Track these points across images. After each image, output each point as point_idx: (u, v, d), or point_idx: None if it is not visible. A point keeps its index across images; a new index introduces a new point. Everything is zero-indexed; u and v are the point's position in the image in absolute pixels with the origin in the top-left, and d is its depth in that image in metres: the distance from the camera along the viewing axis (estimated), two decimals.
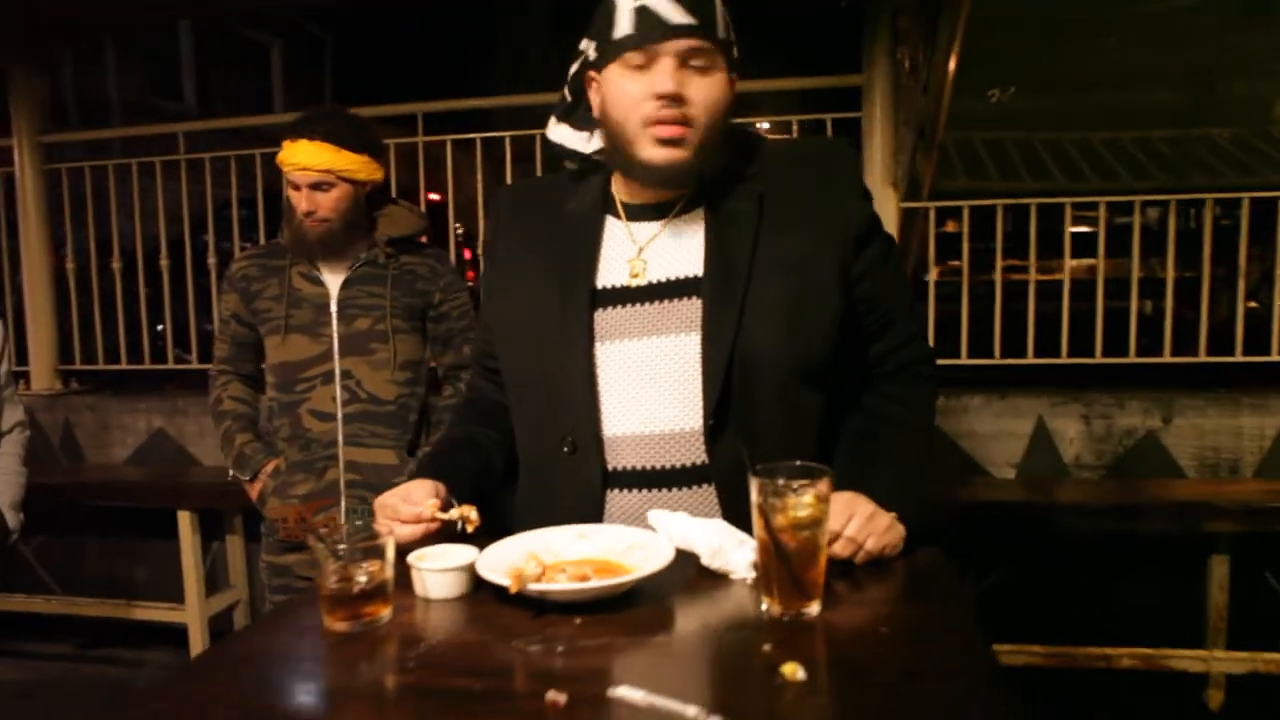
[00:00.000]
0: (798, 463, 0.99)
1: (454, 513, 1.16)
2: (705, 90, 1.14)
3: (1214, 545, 2.70)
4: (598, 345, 1.20)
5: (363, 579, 0.95)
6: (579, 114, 1.29)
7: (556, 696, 0.78)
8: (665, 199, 1.23)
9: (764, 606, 0.98)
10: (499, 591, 0.99)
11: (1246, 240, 2.86)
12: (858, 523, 1.09)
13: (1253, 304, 3.19)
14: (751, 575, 1.06)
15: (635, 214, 1.25)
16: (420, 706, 0.81)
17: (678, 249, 1.22)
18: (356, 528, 1.01)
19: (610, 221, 1.26)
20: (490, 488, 1.32)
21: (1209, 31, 2.41)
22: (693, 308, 1.18)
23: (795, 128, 3.40)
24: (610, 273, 1.23)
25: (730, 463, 1.14)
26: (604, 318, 1.21)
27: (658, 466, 1.19)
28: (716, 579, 1.08)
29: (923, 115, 3.09)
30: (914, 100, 3.08)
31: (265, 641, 1.00)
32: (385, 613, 0.97)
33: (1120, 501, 2.70)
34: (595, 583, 0.99)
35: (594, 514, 1.21)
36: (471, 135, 3.24)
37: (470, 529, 1.16)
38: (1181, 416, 2.87)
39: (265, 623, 1.23)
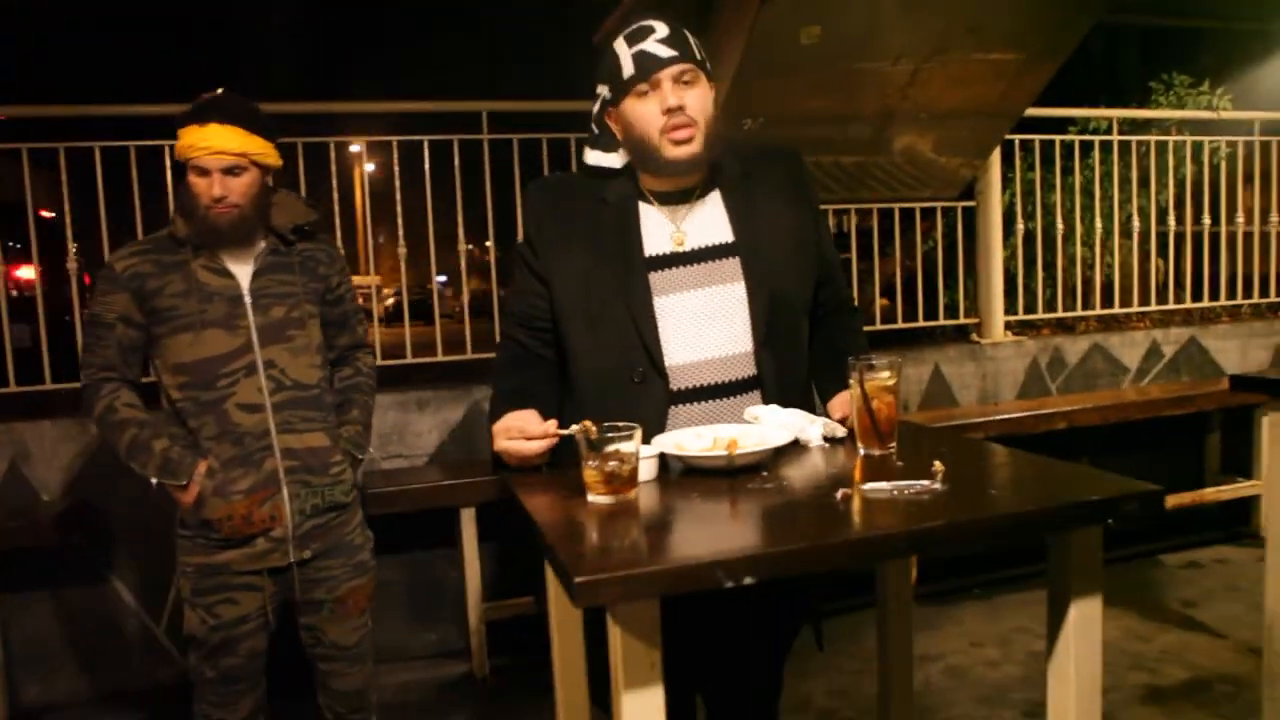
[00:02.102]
0: (873, 357, 1.46)
1: (576, 428, 1.42)
2: (696, 97, 1.57)
3: None
4: (656, 299, 1.57)
5: (626, 463, 1.22)
6: (605, 141, 1.67)
7: (846, 491, 1.16)
8: (687, 186, 1.64)
9: (860, 449, 1.43)
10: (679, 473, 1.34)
11: (879, 238, 3.89)
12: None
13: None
14: (822, 443, 1.50)
15: (666, 199, 1.64)
16: (752, 515, 1.13)
17: (707, 222, 1.63)
18: (607, 428, 1.25)
19: (644, 207, 1.64)
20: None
21: (881, 85, 3.33)
22: (732, 265, 1.60)
23: (573, 145, 3.78)
24: (655, 244, 1.60)
25: (770, 371, 1.58)
26: (658, 277, 1.58)
27: (715, 382, 1.58)
28: (801, 447, 1.50)
29: None
30: None
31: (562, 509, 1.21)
32: (634, 492, 1.24)
33: None
34: (759, 446, 1.35)
35: (660, 426, 1.54)
36: None
37: (593, 438, 1.43)
38: None
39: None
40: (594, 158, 1.68)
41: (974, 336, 4.12)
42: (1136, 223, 4.38)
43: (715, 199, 1.64)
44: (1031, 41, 3.42)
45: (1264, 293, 4.68)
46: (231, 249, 1.96)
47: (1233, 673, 2.86)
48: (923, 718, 2.66)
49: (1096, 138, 4.32)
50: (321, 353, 2.09)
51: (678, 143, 1.52)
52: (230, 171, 1.89)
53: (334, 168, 3.29)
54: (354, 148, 3.36)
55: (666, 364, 1.54)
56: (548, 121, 3.60)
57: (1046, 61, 3.57)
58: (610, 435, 1.24)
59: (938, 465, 1.27)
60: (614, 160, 1.67)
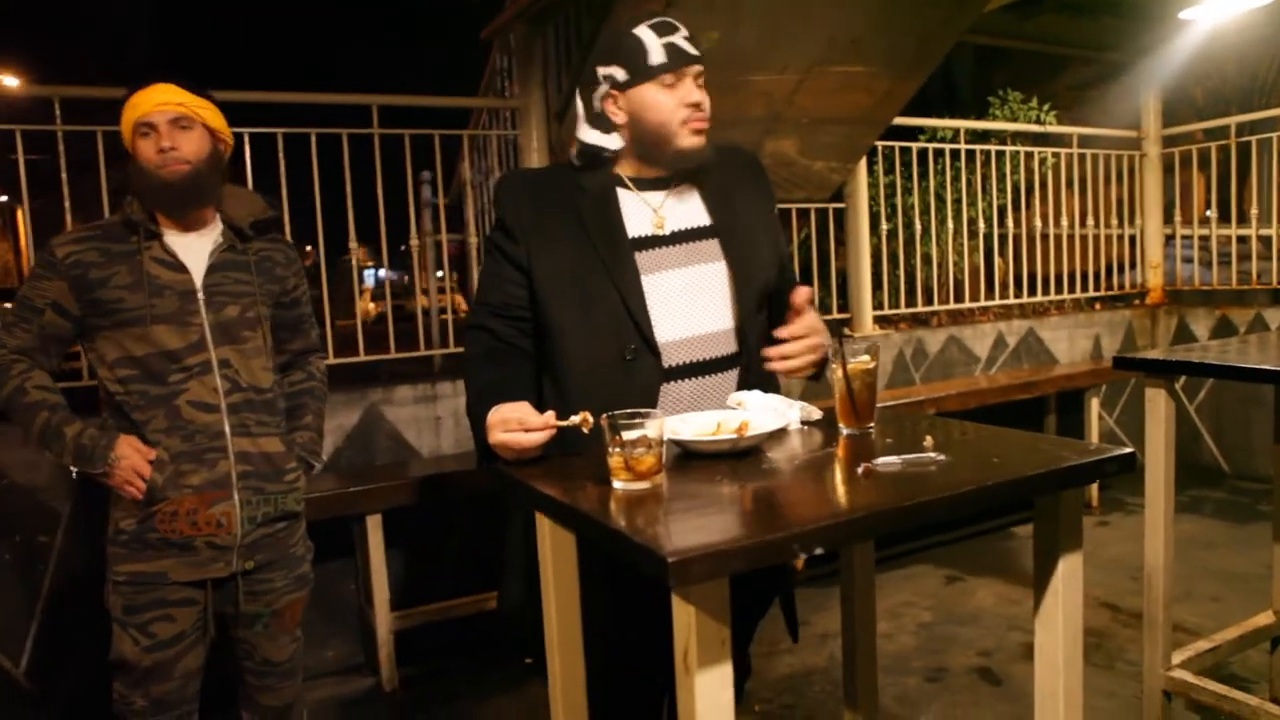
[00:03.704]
0: (856, 335, 1.54)
1: (575, 419, 1.44)
2: (707, 95, 1.64)
3: None
4: (643, 277, 1.61)
5: (653, 449, 1.24)
6: (603, 122, 1.66)
7: (868, 466, 1.23)
8: (665, 175, 1.69)
9: (842, 429, 1.51)
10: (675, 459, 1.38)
11: None
12: (815, 340, 1.59)
13: None
14: (800, 426, 1.58)
15: (644, 186, 1.68)
16: (792, 492, 1.18)
17: (684, 208, 1.70)
18: (626, 415, 1.26)
19: (623, 193, 1.68)
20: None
21: (770, 91, 3.49)
22: (712, 246, 1.67)
23: (465, 142, 3.70)
24: (636, 227, 1.65)
25: (750, 347, 1.65)
26: (643, 257, 1.63)
27: (704, 359, 1.63)
28: (781, 431, 1.56)
29: (556, 141, 3.72)
30: (552, 126, 3.69)
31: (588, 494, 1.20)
32: (661, 478, 1.26)
33: None
34: (757, 431, 1.40)
35: (651, 404, 1.58)
36: None
37: (587, 429, 1.45)
38: None
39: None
40: (592, 136, 1.67)
41: (846, 330, 4.37)
42: (982, 225, 4.79)
43: (690, 187, 1.71)
44: (902, 56, 3.68)
45: (1084, 288, 5.22)
46: (186, 225, 1.84)
47: (1093, 626, 3.18)
48: (835, 691, 2.81)
49: (946, 145, 4.68)
50: (273, 357, 1.98)
51: (696, 133, 1.60)
52: (177, 124, 1.78)
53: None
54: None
55: (658, 340, 1.58)
56: (437, 118, 3.52)
57: (915, 75, 3.86)
58: (633, 420, 1.25)
59: (929, 440, 1.37)
60: (611, 141, 1.66)
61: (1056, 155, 5.07)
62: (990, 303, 4.92)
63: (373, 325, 4.73)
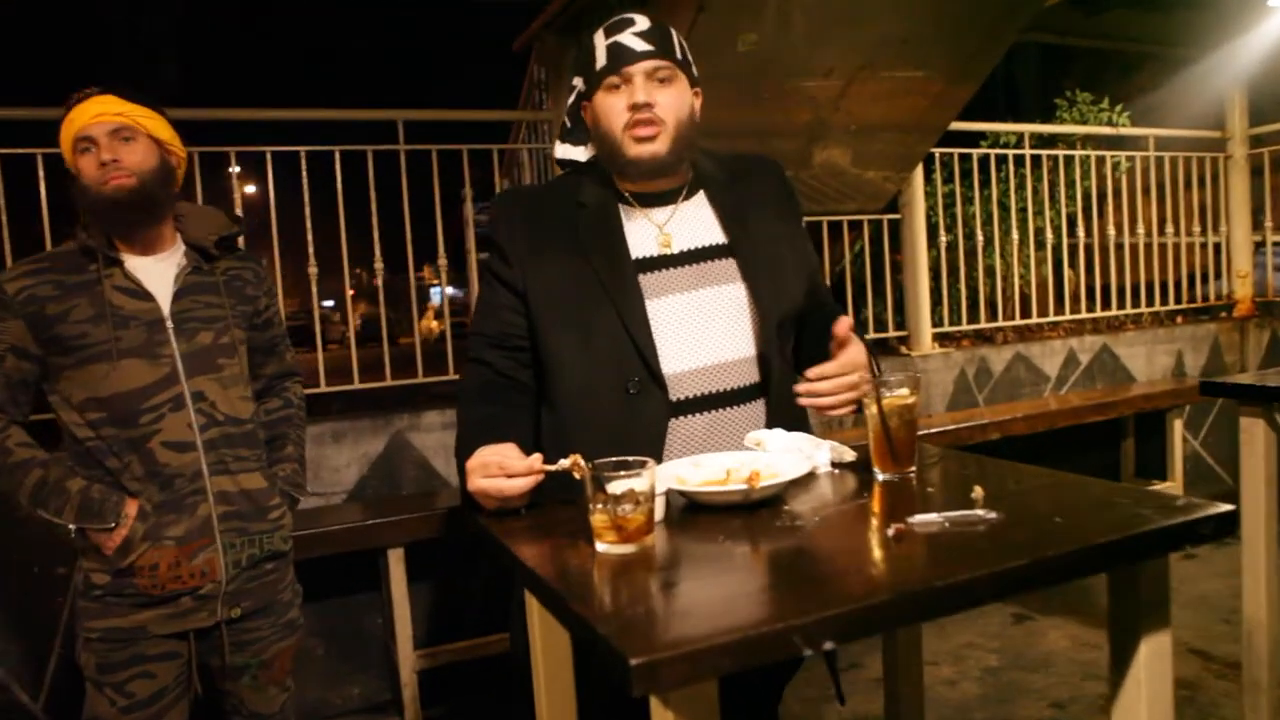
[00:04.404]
0: (914, 354, 1.33)
1: (565, 462, 1.26)
2: (669, 96, 1.46)
3: None
4: (648, 302, 1.44)
5: (642, 505, 1.05)
6: (576, 134, 1.57)
7: (900, 527, 1.02)
8: (669, 188, 1.52)
9: (877, 474, 1.30)
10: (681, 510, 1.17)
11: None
12: (855, 378, 1.36)
13: None
14: (830, 468, 1.37)
15: (648, 202, 1.52)
16: (802, 561, 0.98)
17: (695, 225, 1.52)
18: (612, 464, 1.08)
19: (624, 209, 1.51)
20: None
21: (814, 97, 3.29)
22: (728, 266, 1.48)
23: (465, 155, 3.57)
24: (640, 246, 1.48)
25: (776, 378, 1.46)
26: (648, 280, 1.46)
27: (717, 390, 1.44)
28: (809, 474, 1.36)
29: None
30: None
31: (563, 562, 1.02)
32: (652, 539, 1.07)
33: None
34: (779, 479, 1.20)
35: (658, 442, 1.40)
36: None
37: (579, 475, 1.26)
38: None
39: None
40: (562, 150, 1.60)
41: (903, 349, 4.11)
42: (1050, 235, 4.48)
43: (701, 202, 1.54)
44: (955, 57, 3.44)
45: (1164, 301, 4.86)
46: (145, 248, 1.71)
47: (1182, 676, 2.87)
48: None
49: (1010, 151, 4.40)
50: (250, 384, 1.85)
51: (639, 140, 1.43)
52: (118, 135, 1.65)
53: (234, 181, 3.00)
54: (234, 169, 3.04)
55: (665, 371, 1.41)
56: (469, 132, 3.40)
57: (971, 77, 3.61)
58: (618, 471, 1.07)
59: (978, 490, 1.15)
60: (580, 154, 1.58)
61: (1131, 159, 4.73)
62: (1060, 318, 4.59)
63: (435, 344, 4.63)
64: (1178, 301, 4.90)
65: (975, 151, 4.28)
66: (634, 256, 1.46)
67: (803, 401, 1.36)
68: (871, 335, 4.09)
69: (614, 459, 1.08)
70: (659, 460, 1.38)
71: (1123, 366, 4.60)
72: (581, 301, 1.43)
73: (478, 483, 1.27)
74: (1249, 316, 4.97)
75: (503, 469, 1.25)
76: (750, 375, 1.46)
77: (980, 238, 4.36)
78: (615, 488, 1.04)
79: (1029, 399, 4.27)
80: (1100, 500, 1.12)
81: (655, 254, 1.48)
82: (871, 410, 1.30)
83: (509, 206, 1.54)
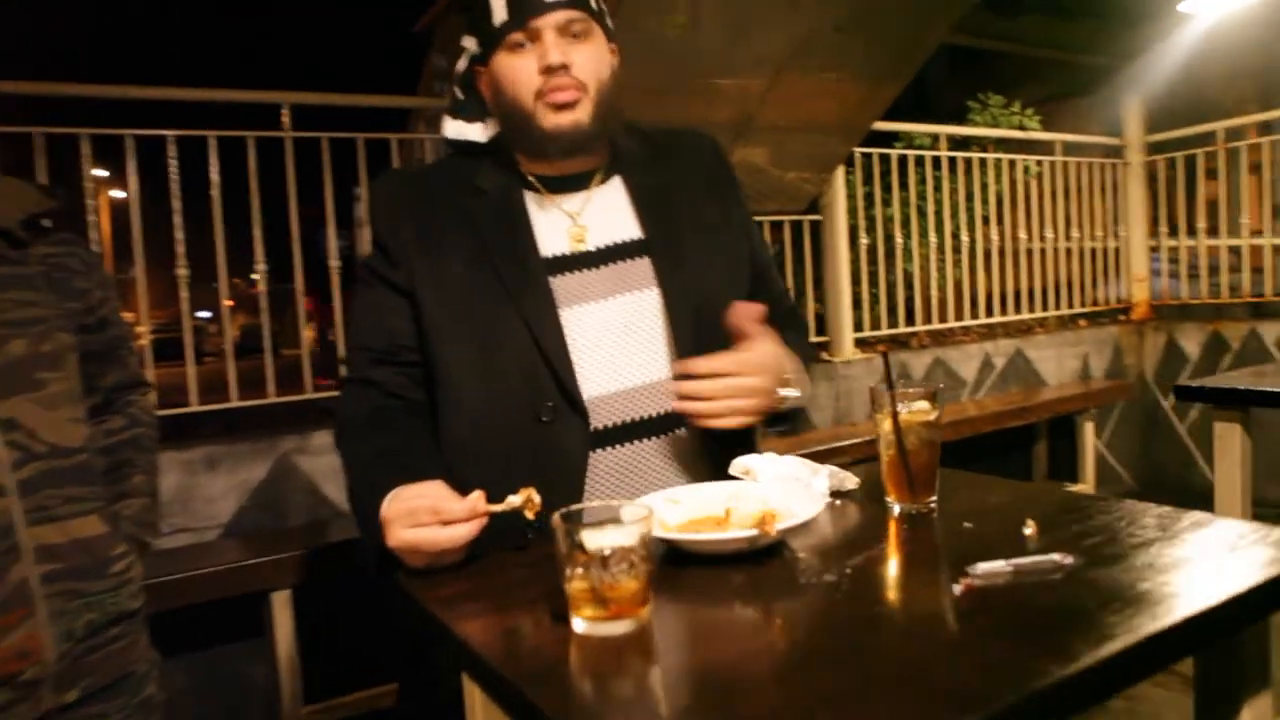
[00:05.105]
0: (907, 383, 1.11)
1: (515, 499, 1.00)
2: (588, 54, 1.21)
3: None
4: (561, 311, 1.20)
5: (639, 567, 0.79)
6: (470, 108, 1.30)
7: (969, 582, 0.79)
8: (582, 170, 1.27)
9: (894, 506, 1.07)
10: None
11: None
12: (751, 382, 1.12)
13: None
14: (829, 498, 1.14)
15: (556, 187, 1.27)
16: (844, 638, 0.73)
17: (610, 215, 1.27)
18: (591, 510, 0.81)
19: (530, 197, 1.27)
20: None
21: (740, 93, 3.10)
22: (643, 266, 1.24)
23: (361, 145, 3.22)
24: (550, 242, 1.24)
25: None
26: (561, 283, 1.21)
27: (639, 418, 1.21)
28: None
29: None
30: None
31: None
32: (648, 611, 0.80)
33: None
34: (790, 524, 0.96)
35: (577, 479, 1.17)
36: None
37: (533, 514, 1.01)
38: None
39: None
40: (453, 128, 1.31)
41: (824, 355, 3.96)
42: (965, 237, 4.43)
43: (617, 186, 1.29)
44: (886, 51, 3.32)
45: (1069, 304, 4.90)
46: None
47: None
48: None
49: (928, 153, 4.33)
50: (83, 401, 1.48)
51: (557, 107, 1.18)
52: None
53: (85, 166, 2.57)
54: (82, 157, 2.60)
55: (584, 395, 1.17)
56: (362, 119, 3.05)
57: (894, 79, 3.51)
58: (602, 519, 0.81)
59: (1031, 525, 0.94)
60: (476, 133, 1.30)
61: (1040, 164, 4.75)
62: (973, 322, 4.56)
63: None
64: (1083, 305, 4.95)
65: (894, 152, 4.18)
66: (543, 255, 1.22)
67: (676, 407, 1.13)
68: None
69: (597, 504, 0.82)
70: (577, 501, 1.13)
71: (1034, 370, 4.60)
72: (482, 310, 1.18)
73: (403, 535, 0.98)
74: (1146, 320, 5.08)
75: (437, 515, 0.97)
76: (669, 400, 1.21)
77: (899, 240, 4.27)
78: (599, 542, 0.78)
79: (949, 404, 4.20)
80: (1169, 531, 0.92)
81: (567, 251, 1.23)
82: (884, 428, 1.08)
83: (391, 191, 1.27)
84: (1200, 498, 4.69)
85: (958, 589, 0.79)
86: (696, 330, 1.22)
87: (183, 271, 2.75)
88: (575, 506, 0.81)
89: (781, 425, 1.26)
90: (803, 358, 1.29)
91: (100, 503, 1.45)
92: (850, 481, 1.17)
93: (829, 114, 3.53)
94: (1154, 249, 5.22)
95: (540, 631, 0.81)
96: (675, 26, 2.67)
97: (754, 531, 0.91)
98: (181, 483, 2.67)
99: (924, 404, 1.08)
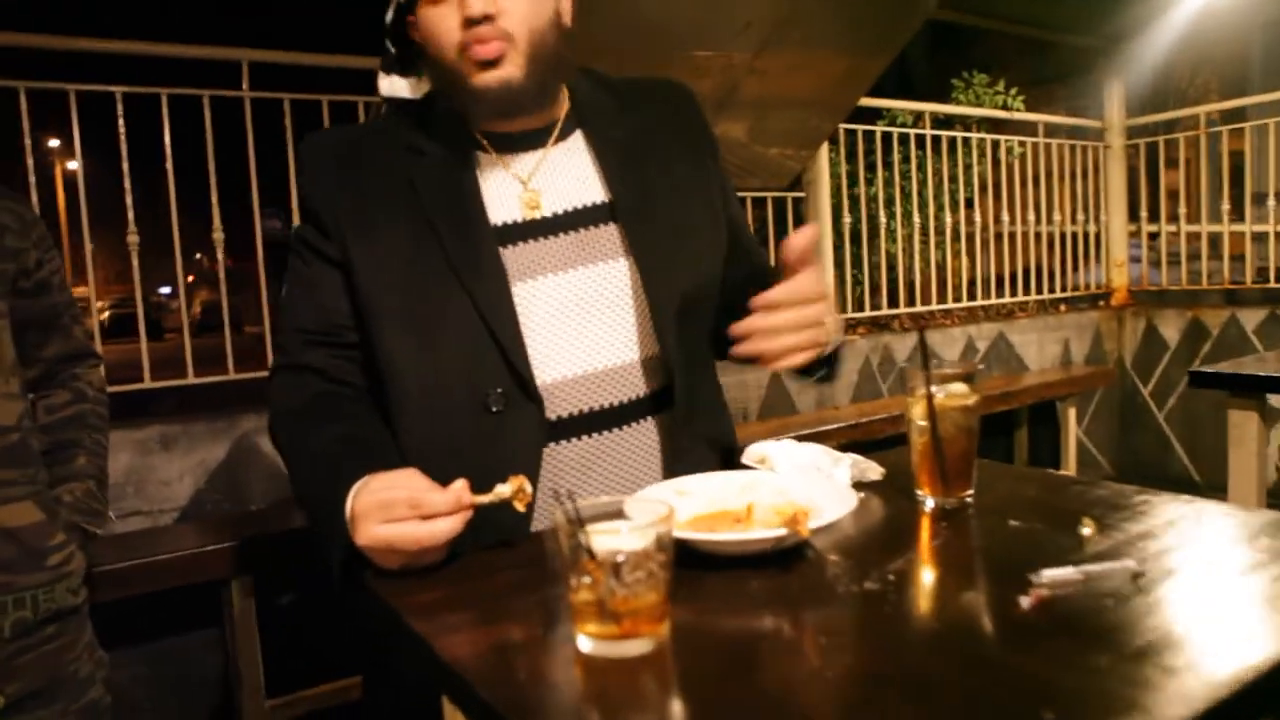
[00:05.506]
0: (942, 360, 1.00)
1: (506, 488, 0.88)
2: (519, 1, 1.07)
3: None
4: (513, 285, 1.07)
5: (657, 576, 0.67)
6: (404, 63, 1.17)
7: (1040, 593, 0.68)
8: (537, 127, 1.15)
9: (926, 500, 0.97)
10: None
11: None
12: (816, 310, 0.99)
13: None
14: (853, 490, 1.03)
15: (506, 145, 1.14)
16: (897, 659, 0.62)
17: (568, 177, 1.14)
18: (601, 504, 0.69)
19: (478, 158, 1.13)
20: None
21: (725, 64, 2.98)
22: (609, 234, 1.12)
23: (325, 107, 3.03)
24: (500, 209, 1.11)
25: (684, 387, 1.10)
26: (512, 255, 1.09)
27: (602, 406, 1.08)
28: None
29: None
30: None
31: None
32: (666, 627, 0.69)
33: None
34: (822, 522, 0.84)
35: (531, 474, 1.04)
36: None
37: (523, 506, 0.89)
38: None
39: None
40: (387, 85, 1.17)
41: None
42: (949, 218, 4.35)
43: (578, 145, 1.16)
44: (865, 29, 3.21)
45: (1050, 289, 4.85)
46: None
47: None
48: None
49: (912, 130, 4.23)
50: (18, 373, 1.34)
51: (480, 64, 1.04)
52: None
53: (26, 123, 2.38)
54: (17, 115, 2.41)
55: (538, 381, 1.04)
56: (330, 80, 2.88)
57: (881, 52, 3.40)
58: (612, 514, 0.69)
59: (1089, 525, 0.84)
60: (408, 89, 1.17)
61: (1023, 144, 4.68)
62: (955, 305, 4.49)
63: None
64: (1063, 290, 4.90)
65: (878, 129, 4.08)
66: (493, 223, 1.09)
67: (743, 349, 0.99)
68: None
69: (605, 500, 0.70)
70: (535, 502, 1.01)
71: (1016, 355, 4.54)
72: (423, 286, 1.05)
73: (376, 532, 0.85)
74: (1125, 305, 5.05)
75: (415, 508, 0.84)
76: (635, 386, 1.10)
77: (883, 219, 4.18)
78: (610, 546, 0.66)
79: None
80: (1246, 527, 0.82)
81: (520, 218, 1.10)
82: (916, 413, 0.97)
83: (321, 153, 1.14)
84: (1178, 484, 4.69)
85: (1026, 602, 0.69)
86: (677, 305, 1.09)
87: (133, 238, 2.57)
88: (582, 502, 0.69)
89: (822, 370, 1.11)
90: None
91: (35, 487, 1.32)
92: (874, 472, 1.07)
93: (814, 88, 3.41)
94: (1133, 234, 5.18)
95: (537, 650, 0.69)
96: None
97: (783, 531, 0.79)
98: (134, 463, 2.51)
99: (960, 386, 0.98)
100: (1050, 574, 0.72)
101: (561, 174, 1.14)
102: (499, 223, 1.09)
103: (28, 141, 2.40)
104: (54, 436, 1.42)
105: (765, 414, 3.62)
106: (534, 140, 1.13)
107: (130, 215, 2.56)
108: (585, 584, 0.66)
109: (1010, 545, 0.83)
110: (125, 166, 2.54)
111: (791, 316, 0.97)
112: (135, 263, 2.60)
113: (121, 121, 2.51)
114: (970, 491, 0.97)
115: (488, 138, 1.13)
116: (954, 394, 0.97)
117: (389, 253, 1.07)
